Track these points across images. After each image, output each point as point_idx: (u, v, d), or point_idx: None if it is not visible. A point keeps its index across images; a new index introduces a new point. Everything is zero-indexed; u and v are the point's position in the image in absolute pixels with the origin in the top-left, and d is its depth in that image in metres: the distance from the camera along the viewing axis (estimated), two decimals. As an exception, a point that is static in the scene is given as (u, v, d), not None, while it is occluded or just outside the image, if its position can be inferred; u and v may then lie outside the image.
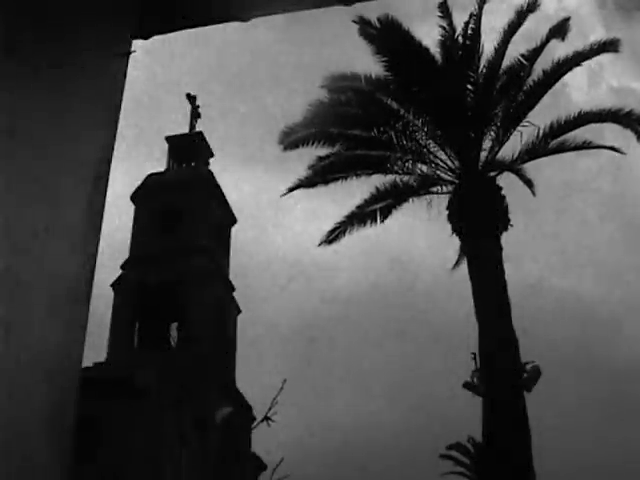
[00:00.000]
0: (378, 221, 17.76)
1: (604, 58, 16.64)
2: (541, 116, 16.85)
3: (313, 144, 17.06)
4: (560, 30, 16.42)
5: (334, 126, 17.05)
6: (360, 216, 17.77)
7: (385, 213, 17.77)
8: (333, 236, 17.99)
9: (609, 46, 16.46)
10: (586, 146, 16.99)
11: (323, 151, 17.23)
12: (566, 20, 16.62)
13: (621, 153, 16.93)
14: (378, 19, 16.09)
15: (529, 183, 17.78)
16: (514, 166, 17.20)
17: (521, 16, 16.43)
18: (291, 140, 17.22)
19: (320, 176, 17.56)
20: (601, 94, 56.25)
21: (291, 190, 17.79)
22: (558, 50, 16.96)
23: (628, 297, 61.13)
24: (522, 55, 16.59)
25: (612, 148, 17.02)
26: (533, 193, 17.90)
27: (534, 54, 16.58)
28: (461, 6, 17.00)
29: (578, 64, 16.69)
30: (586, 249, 63.67)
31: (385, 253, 62.70)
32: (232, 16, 1.71)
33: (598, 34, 68.32)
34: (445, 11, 16.54)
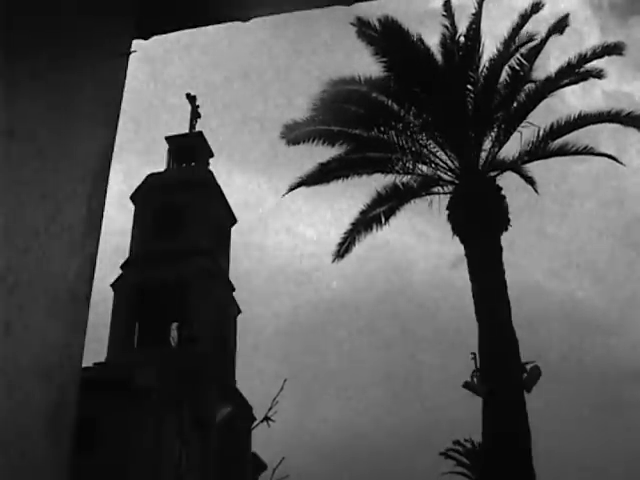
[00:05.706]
0: (382, 224, 17.78)
1: (600, 62, 16.60)
2: (535, 119, 16.86)
3: (314, 141, 17.08)
4: (559, 26, 16.50)
5: (336, 124, 17.07)
6: (365, 222, 17.76)
7: (388, 216, 17.78)
8: (343, 248, 17.93)
9: (613, 49, 16.41)
10: (586, 152, 16.92)
11: (324, 150, 17.26)
12: (565, 17, 16.69)
13: (621, 164, 16.83)
14: (378, 19, 16.10)
15: (530, 181, 17.62)
16: (515, 165, 17.15)
17: (525, 18, 16.43)
18: (293, 136, 17.26)
19: (322, 176, 17.58)
20: (596, 98, 56.32)
21: (293, 189, 17.80)
22: (556, 52, 16.99)
23: (626, 301, 61.14)
24: (521, 54, 16.56)
25: (612, 157, 16.92)
26: (536, 191, 17.57)
27: (533, 52, 16.56)
28: (460, 9, 16.97)
29: (585, 78, 16.69)
30: (586, 252, 63.65)
31: (384, 253, 62.71)
32: (232, 16, 1.71)
33: (595, 38, 68.37)
34: (448, 10, 16.55)
